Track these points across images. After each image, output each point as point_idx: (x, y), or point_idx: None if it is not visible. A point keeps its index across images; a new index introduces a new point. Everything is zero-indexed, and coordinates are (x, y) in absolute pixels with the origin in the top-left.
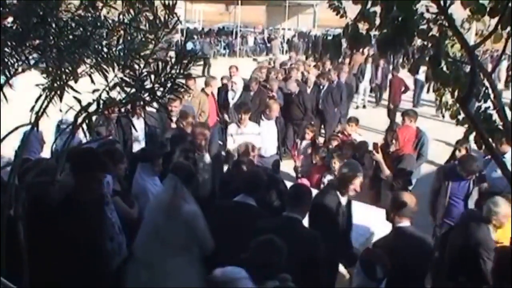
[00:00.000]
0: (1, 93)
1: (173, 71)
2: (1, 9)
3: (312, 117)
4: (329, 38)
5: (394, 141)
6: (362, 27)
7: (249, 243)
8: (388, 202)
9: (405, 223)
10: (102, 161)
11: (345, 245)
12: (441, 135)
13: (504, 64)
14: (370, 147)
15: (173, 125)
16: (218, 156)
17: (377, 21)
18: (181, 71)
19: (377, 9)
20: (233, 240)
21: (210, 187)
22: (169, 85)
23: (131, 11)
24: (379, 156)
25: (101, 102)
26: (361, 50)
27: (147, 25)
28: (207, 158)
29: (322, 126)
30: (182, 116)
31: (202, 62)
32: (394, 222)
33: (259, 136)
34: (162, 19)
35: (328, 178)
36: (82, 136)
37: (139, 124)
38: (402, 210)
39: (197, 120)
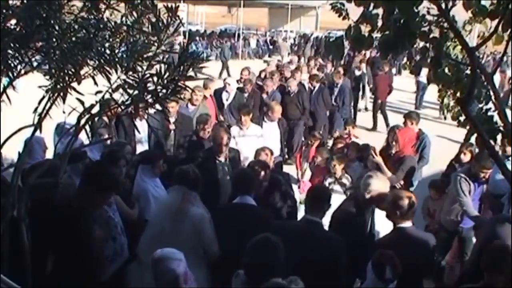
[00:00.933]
0: (5, 95)
1: (175, 73)
2: (4, 11)
3: (309, 117)
4: (332, 39)
5: (394, 143)
6: (364, 29)
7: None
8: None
9: (407, 223)
10: (116, 181)
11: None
12: (444, 138)
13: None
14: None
15: (171, 126)
16: (235, 159)
17: (379, 23)
18: (184, 73)
19: (379, 11)
20: (239, 242)
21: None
22: (171, 87)
23: (134, 13)
24: (379, 159)
25: (104, 103)
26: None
27: (149, 27)
28: (226, 163)
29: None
30: (200, 123)
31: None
32: (396, 222)
33: (261, 138)
34: (165, 21)
35: (329, 180)
36: (84, 138)
37: (141, 125)
38: (403, 210)
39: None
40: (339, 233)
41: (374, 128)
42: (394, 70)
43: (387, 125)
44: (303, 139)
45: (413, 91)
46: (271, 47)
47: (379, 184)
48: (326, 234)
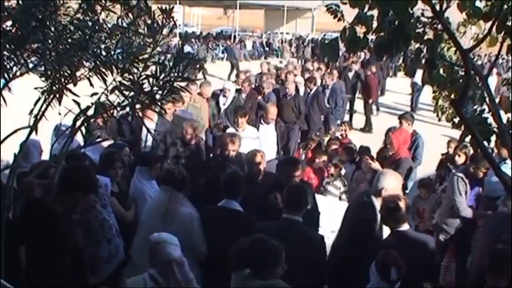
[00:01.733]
0: (1, 96)
1: (171, 75)
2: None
3: (304, 122)
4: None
5: (389, 145)
6: (360, 30)
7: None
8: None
9: (404, 226)
10: (90, 182)
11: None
12: (439, 139)
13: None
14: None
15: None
16: (241, 159)
17: (374, 25)
18: (179, 75)
19: (374, 12)
20: (221, 245)
21: None
22: (167, 88)
23: (130, 15)
24: (376, 165)
25: (99, 105)
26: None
27: (145, 29)
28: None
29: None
30: (186, 130)
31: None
32: (393, 227)
33: (257, 140)
34: (160, 23)
35: (325, 180)
36: (80, 139)
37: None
38: (398, 214)
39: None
40: (353, 235)
41: (368, 129)
42: (390, 72)
43: (367, 125)
44: (298, 140)
45: (409, 93)
46: (267, 49)
47: (392, 181)
48: (307, 233)
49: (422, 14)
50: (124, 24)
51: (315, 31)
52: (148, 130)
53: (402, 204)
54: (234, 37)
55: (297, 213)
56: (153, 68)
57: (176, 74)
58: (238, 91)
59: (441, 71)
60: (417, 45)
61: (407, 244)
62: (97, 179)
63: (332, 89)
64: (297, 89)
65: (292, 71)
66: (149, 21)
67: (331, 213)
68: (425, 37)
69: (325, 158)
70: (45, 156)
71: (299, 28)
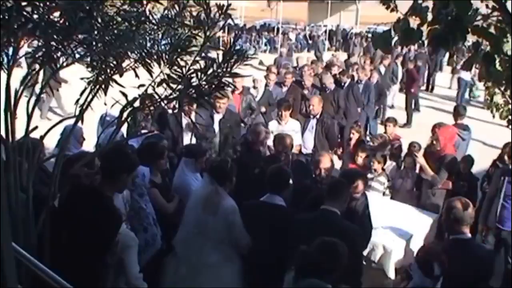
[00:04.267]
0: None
1: (219, 70)
2: (48, 3)
3: (343, 116)
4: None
5: (435, 141)
6: (413, 22)
7: (281, 243)
8: (429, 200)
9: (465, 234)
10: (132, 162)
11: None
12: (482, 137)
13: None
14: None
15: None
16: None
17: (429, 17)
18: (228, 70)
19: (429, 4)
20: (264, 241)
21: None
22: (215, 83)
23: (176, 6)
24: (421, 160)
25: (147, 97)
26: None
27: (191, 20)
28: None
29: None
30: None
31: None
32: (453, 232)
33: (298, 133)
34: (213, 16)
35: (369, 176)
36: (125, 130)
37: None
38: (460, 218)
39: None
40: None
41: (408, 123)
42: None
43: (408, 121)
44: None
45: (455, 88)
46: (310, 41)
47: None
48: (343, 223)
49: (487, 6)
50: (170, 16)
51: (359, 24)
52: (195, 126)
53: (470, 209)
54: (278, 29)
55: (335, 205)
56: (201, 62)
57: (224, 70)
58: (280, 84)
59: (497, 66)
60: (471, 39)
61: (465, 253)
62: (137, 159)
63: (365, 85)
64: (336, 83)
65: (332, 65)
66: (195, 13)
67: (375, 209)
68: (487, 31)
69: (363, 155)
70: (89, 144)
71: (343, 21)
